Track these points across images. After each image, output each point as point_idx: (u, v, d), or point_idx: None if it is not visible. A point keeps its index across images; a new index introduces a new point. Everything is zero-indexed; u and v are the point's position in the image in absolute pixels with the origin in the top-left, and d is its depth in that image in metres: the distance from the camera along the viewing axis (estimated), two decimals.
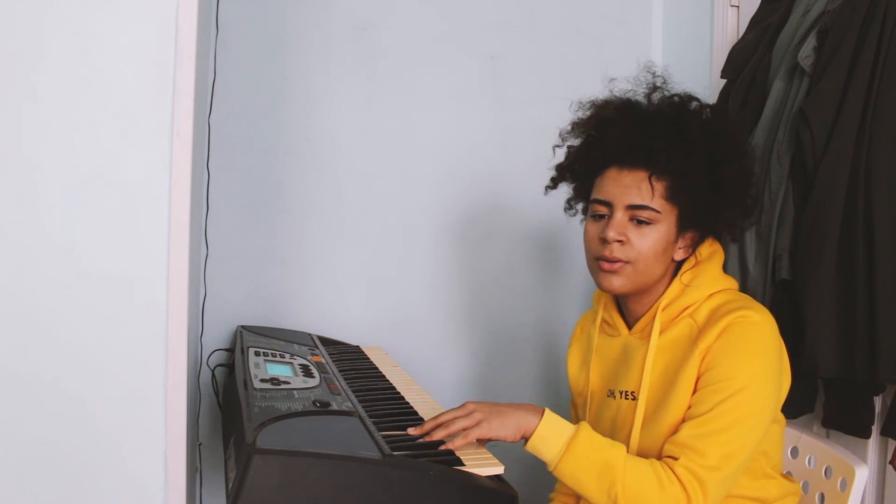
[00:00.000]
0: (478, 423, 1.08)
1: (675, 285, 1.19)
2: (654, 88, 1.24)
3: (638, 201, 1.16)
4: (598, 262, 1.19)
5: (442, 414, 1.12)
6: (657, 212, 1.16)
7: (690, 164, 1.15)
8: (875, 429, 1.41)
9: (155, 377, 1.13)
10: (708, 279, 1.19)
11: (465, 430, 1.08)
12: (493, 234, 2.06)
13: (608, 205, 1.19)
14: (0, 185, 1.08)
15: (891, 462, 1.36)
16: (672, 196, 1.16)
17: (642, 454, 1.15)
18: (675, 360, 1.15)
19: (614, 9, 2.13)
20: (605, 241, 1.17)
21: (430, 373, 1.92)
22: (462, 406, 1.12)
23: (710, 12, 1.94)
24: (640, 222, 1.16)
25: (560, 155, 1.33)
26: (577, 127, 1.29)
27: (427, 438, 1.09)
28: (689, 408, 1.10)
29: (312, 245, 1.92)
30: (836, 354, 1.32)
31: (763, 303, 1.47)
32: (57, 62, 1.08)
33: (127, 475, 1.13)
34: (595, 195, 1.22)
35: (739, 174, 1.18)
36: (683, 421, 1.10)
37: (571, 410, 1.45)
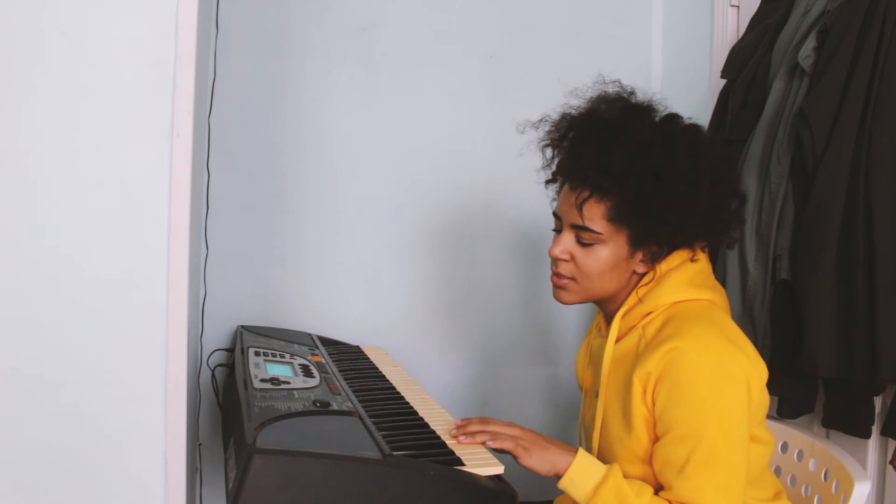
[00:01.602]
0: (523, 448, 1.11)
1: (632, 298, 1.18)
2: (596, 108, 1.19)
3: (578, 222, 1.15)
4: (552, 276, 1.21)
5: (490, 422, 1.14)
6: (598, 233, 1.14)
7: (625, 187, 1.11)
8: (875, 429, 1.41)
9: (155, 377, 1.13)
10: (665, 291, 1.15)
11: (506, 450, 1.11)
12: (493, 234, 2.06)
13: (560, 219, 1.20)
14: (0, 185, 1.08)
15: (891, 462, 1.36)
16: (614, 217, 1.13)
17: (601, 451, 1.19)
18: (624, 374, 1.15)
19: (614, 9, 2.13)
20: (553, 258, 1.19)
21: (429, 373, 1.92)
22: (509, 424, 1.14)
23: (710, 12, 1.94)
24: (583, 244, 1.16)
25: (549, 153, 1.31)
26: (545, 139, 1.26)
27: (467, 441, 1.11)
28: (664, 461, 1.07)
29: (312, 245, 1.92)
30: (836, 354, 1.32)
31: (763, 303, 1.48)
32: (57, 62, 1.08)
33: (127, 475, 1.13)
34: (553, 208, 1.24)
35: (684, 199, 1.11)
36: (662, 473, 1.08)
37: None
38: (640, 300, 1.16)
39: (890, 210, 1.29)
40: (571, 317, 2.12)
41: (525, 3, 2.06)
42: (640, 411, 1.10)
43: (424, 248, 2.01)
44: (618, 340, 1.19)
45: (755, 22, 1.68)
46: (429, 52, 1.99)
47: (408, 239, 1.99)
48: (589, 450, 1.24)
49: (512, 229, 2.07)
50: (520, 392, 2.10)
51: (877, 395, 1.40)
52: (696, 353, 1.06)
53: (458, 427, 1.15)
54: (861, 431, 1.40)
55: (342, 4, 1.91)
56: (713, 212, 1.15)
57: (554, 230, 1.23)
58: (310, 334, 1.81)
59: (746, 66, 1.62)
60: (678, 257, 1.18)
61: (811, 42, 1.44)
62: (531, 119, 1.28)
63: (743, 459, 1.06)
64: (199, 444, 1.79)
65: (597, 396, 1.24)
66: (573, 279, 1.18)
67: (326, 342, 1.79)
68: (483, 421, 1.14)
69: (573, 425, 2.13)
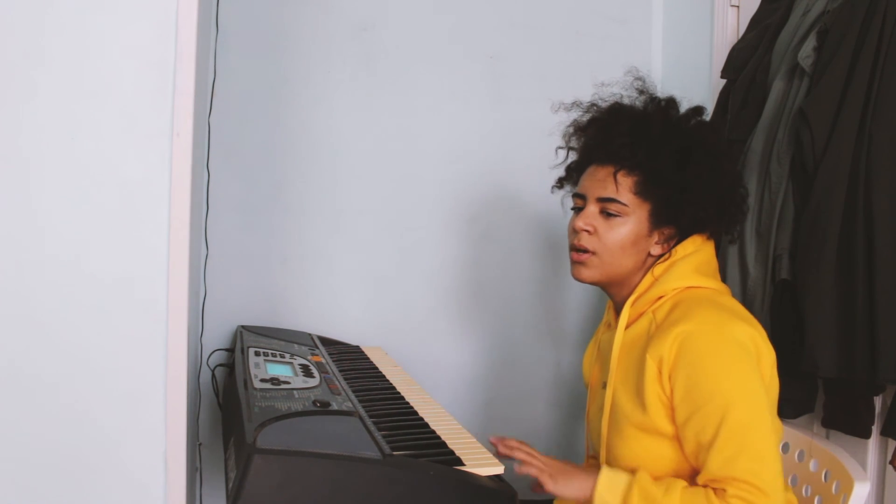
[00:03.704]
0: (549, 476, 1.13)
1: (647, 278, 1.23)
2: (640, 92, 1.29)
3: (605, 194, 1.21)
4: (571, 253, 1.25)
5: (525, 445, 1.18)
6: (624, 205, 1.21)
7: (657, 159, 1.19)
8: (875, 429, 1.41)
9: (155, 377, 1.13)
10: (679, 274, 1.20)
11: (534, 476, 1.14)
12: (494, 234, 2.06)
13: (583, 197, 1.25)
14: (0, 185, 1.08)
15: (891, 462, 1.36)
16: (641, 191, 1.21)
17: (609, 444, 1.22)
18: (636, 356, 1.18)
19: (614, 9, 2.13)
20: (575, 230, 1.23)
21: (430, 373, 1.92)
22: (531, 454, 1.17)
23: (710, 12, 1.94)
24: (609, 215, 1.21)
25: (562, 155, 1.38)
26: (571, 131, 1.35)
27: (505, 451, 1.16)
28: (695, 443, 1.10)
29: (312, 245, 1.92)
30: (836, 355, 1.32)
31: (763, 303, 1.48)
32: (57, 62, 1.08)
33: (127, 475, 1.13)
34: (575, 190, 1.29)
35: (710, 172, 1.20)
36: (696, 456, 1.11)
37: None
38: (656, 279, 1.21)
39: (890, 210, 1.28)
40: (574, 316, 2.12)
41: (525, 3, 2.06)
42: (653, 389, 1.13)
43: (424, 248, 2.01)
44: (628, 327, 1.23)
45: (755, 22, 1.68)
46: (429, 52, 1.99)
47: (408, 239, 1.99)
48: (597, 441, 1.26)
49: (513, 229, 2.07)
50: (521, 392, 2.10)
51: (877, 395, 1.40)
52: (705, 333, 1.11)
53: (499, 439, 1.18)
54: (861, 431, 1.40)
55: (342, 4, 1.91)
56: (728, 195, 1.23)
57: (574, 208, 1.28)
58: (310, 334, 1.81)
59: (746, 66, 1.62)
60: (691, 244, 1.23)
61: (811, 42, 1.44)
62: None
63: (769, 425, 1.09)
64: (199, 444, 1.79)
65: (604, 387, 1.26)
66: (594, 253, 1.21)
67: (326, 342, 1.79)
68: (520, 442, 1.18)
69: (575, 425, 2.14)
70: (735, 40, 1.81)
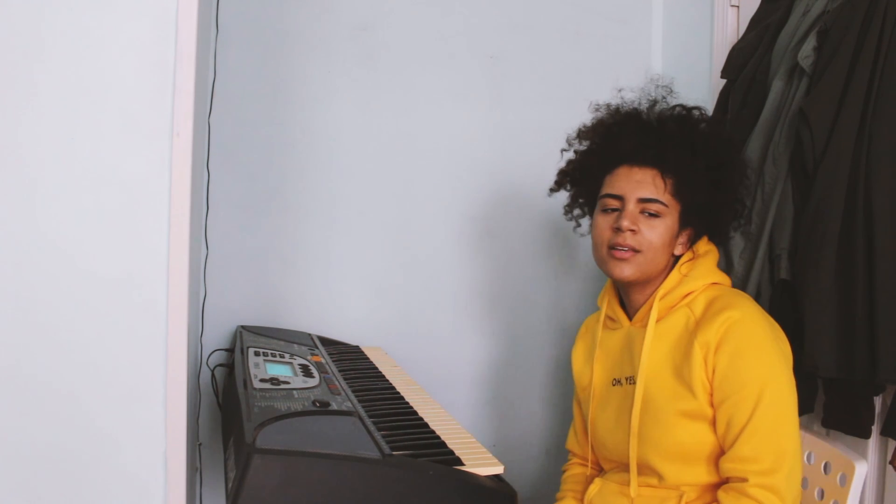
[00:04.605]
0: None
1: (674, 275, 1.29)
2: (657, 100, 1.35)
3: (649, 195, 1.27)
4: (611, 251, 1.28)
5: None
6: (665, 205, 1.27)
7: (695, 164, 1.27)
8: (875, 429, 1.41)
9: (155, 377, 1.13)
10: (703, 271, 1.29)
11: None
12: (493, 234, 2.06)
13: (620, 198, 1.28)
14: (0, 185, 1.08)
15: (891, 462, 1.36)
16: (677, 192, 1.28)
17: (642, 436, 1.24)
18: (676, 348, 1.24)
19: (614, 9, 2.13)
20: (618, 230, 1.26)
21: (430, 373, 1.92)
22: None
23: (710, 12, 1.94)
24: (650, 215, 1.27)
25: (566, 158, 1.42)
26: (586, 132, 1.38)
27: None
28: (726, 424, 1.17)
29: (312, 245, 1.92)
30: (836, 354, 1.32)
31: (760, 303, 1.47)
32: (57, 62, 1.08)
33: (127, 475, 1.13)
34: (607, 191, 1.31)
35: (735, 175, 1.31)
36: (725, 437, 1.18)
37: (575, 406, 1.48)
38: (684, 276, 1.28)
39: (890, 210, 1.28)
40: (574, 316, 2.12)
41: (525, 3, 2.06)
42: (699, 376, 1.19)
43: (424, 247, 2.00)
44: (658, 321, 1.28)
45: (755, 22, 1.68)
46: (429, 51, 1.99)
47: (408, 238, 1.99)
48: (613, 440, 1.29)
49: (513, 229, 2.07)
50: (521, 391, 2.10)
51: (877, 395, 1.40)
52: (753, 320, 1.20)
53: None
54: (861, 431, 1.40)
55: (342, 4, 1.91)
56: (739, 197, 1.33)
57: (605, 210, 1.30)
58: (310, 334, 1.81)
59: (746, 66, 1.62)
60: (704, 244, 1.32)
61: (811, 42, 1.44)
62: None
63: (796, 418, 1.17)
64: (199, 444, 1.79)
65: (615, 384, 1.31)
66: (639, 251, 1.26)
67: (326, 342, 1.79)
68: None
69: None
70: (735, 40, 1.80)
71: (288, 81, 1.88)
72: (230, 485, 0.99)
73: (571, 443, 1.48)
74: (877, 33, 1.33)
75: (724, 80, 1.71)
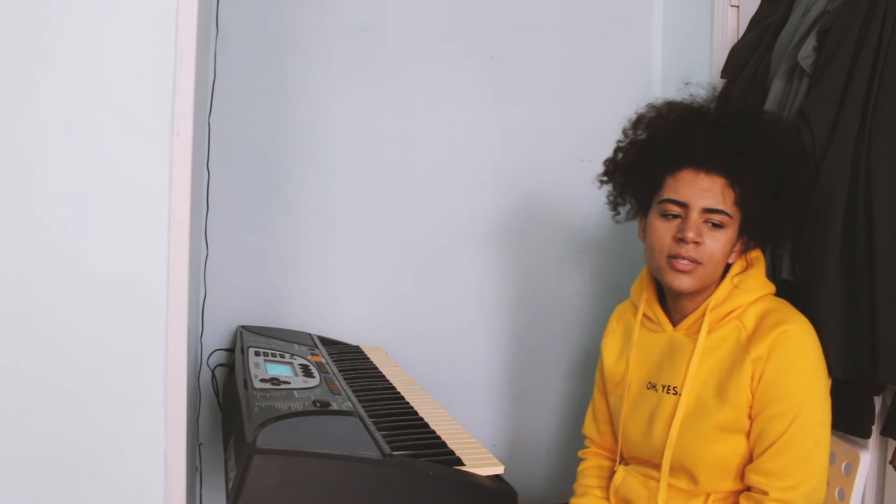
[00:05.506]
0: None
1: (726, 285, 1.23)
2: (712, 101, 1.29)
3: (715, 205, 1.20)
4: (672, 261, 1.21)
5: None
6: (730, 216, 1.20)
7: (766, 173, 1.20)
8: (875, 429, 1.41)
9: (155, 377, 1.13)
10: (755, 283, 1.24)
11: None
12: (493, 234, 2.06)
13: (683, 206, 1.21)
14: (1, 185, 1.08)
15: (891, 462, 1.36)
16: (741, 203, 1.21)
17: (680, 447, 1.20)
18: (725, 361, 1.20)
19: (614, 9, 2.13)
20: (682, 241, 1.20)
21: (430, 373, 1.92)
22: None
23: (710, 12, 1.94)
24: (713, 225, 1.20)
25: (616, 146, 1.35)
26: (643, 125, 1.30)
27: None
28: (759, 434, 1.15)
29: (312, 245, 1.92)
30: (842, 356, 1.32)
31: None
32: (57, 62, 1.08)
33: (127, 474, 1.13)
34: (669, 195, 1.23)
35: (802, 189, 1.25)
36: (756, 445, 1.16)
37: (597, 395, 1.43)
38: (736, 287, 1.23)
39: (891, 210, 1.28)
40: (574, 317, 2.12)
41: (525, 3, 2.06)
42: (745, 390, 1.16)
43: (424, 247, 2.01)
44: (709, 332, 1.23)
45: (755, 22, 1.68)
46: (429, 52, 1.99)
47: (408, 238, 1.99)
48: (644, 442, 1.26)
49: (513, 229, 2.07)
50: (521, 391, 2.10)
51: (877, 395, 1.40)
52: (808, 336, 1.17)
53: None
54: (861, 431, 1.40)
55: (342, 4, 1.92)
56: (804, 205, 1.27)
57: (665, 214, 1.23)
58: (310, 334, 1.81)
59: (746, 66, 1.62)
60: (753, 253, 1.28)
61: (811, 42, 1.43)
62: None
63: (828, 440, 1.15)
64: (199, 444, 1.80)
65: (649, 388, 1.27)
66: (701, 263, 1.20)
67: (326, 342, 1.80)
68: None
69: (575, 425, 2.13)
70: (735, 40, 1.80)
71: (288, 81, 1.88)
72: (230, 485, 0.99)
73: (590, 429, 1.44)
74: (877, 33, 1.33)
75: (724, 81, 1.71)
